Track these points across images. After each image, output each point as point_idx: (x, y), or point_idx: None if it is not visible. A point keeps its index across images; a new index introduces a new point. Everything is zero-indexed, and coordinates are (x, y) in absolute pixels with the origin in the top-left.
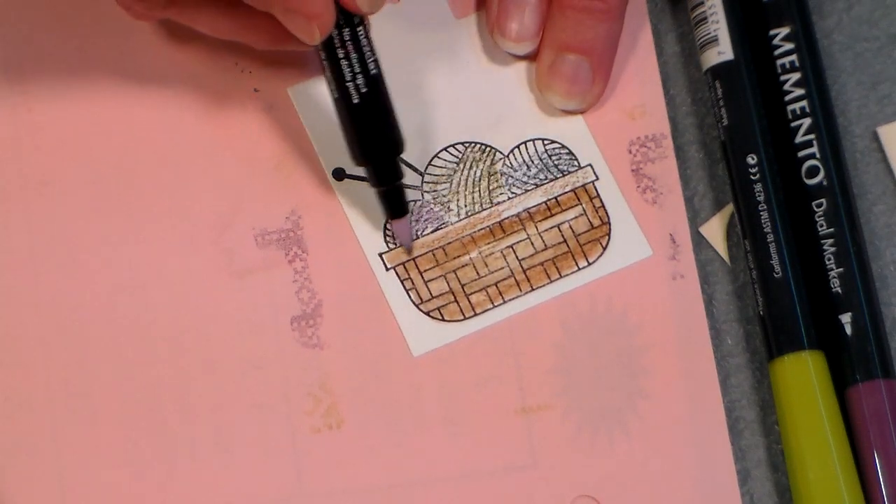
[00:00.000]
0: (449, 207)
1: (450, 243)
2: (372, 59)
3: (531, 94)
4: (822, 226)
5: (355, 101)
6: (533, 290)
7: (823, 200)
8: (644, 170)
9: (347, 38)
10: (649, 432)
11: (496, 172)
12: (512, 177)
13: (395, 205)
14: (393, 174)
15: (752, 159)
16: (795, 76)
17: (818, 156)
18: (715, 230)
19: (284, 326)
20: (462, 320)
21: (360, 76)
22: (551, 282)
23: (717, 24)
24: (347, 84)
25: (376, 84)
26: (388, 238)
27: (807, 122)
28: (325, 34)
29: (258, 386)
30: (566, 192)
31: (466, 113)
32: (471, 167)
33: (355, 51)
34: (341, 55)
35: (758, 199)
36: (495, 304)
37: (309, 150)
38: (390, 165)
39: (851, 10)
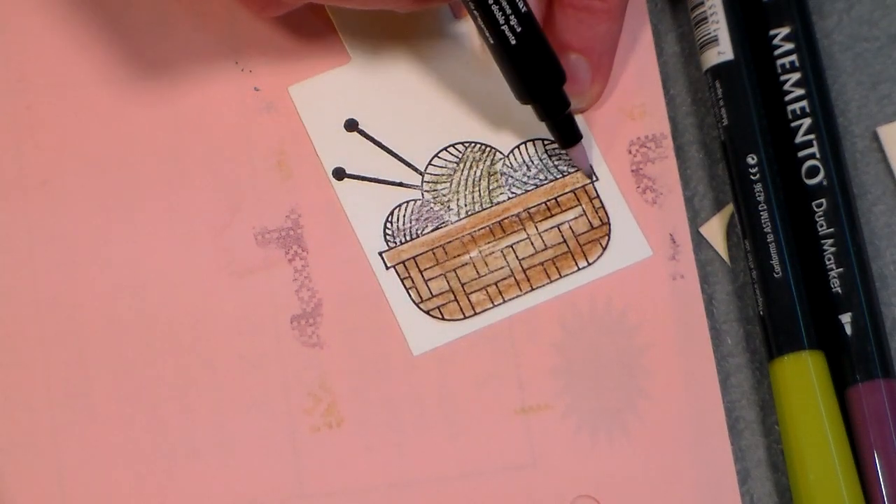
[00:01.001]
0: (449, 207)
1: (450, 242)
2: None
3: None
4: (822, 226)
5: (512, 42)
6: (533, 289)
7: (823, 200)
8: (644, 170)
9: None
10: (649, 432)
11: (496, 172)
12: (512, 177)
13: (568, 133)
14: (561, 104)
15: (752, 159)
16: (795, 76)
17: (818, 156)
18: (715, 230)
19: (284, 325)
20: (462, 319)
21: (512, 17)
22: (551, 282)
23: (717, 24)
24: (502, 28)
25: (530, 21)
26: (387, 237)
27: (807, 122)
28: None
29: (258, 385)
30: (566, 193)
31: (466, 113)
32: (471, 167)
33: None
34: (491, 0)
35: (758, 199)
36: (495, 303)
37: (309, 150)
38: (557, 97)
39: (851, 10)
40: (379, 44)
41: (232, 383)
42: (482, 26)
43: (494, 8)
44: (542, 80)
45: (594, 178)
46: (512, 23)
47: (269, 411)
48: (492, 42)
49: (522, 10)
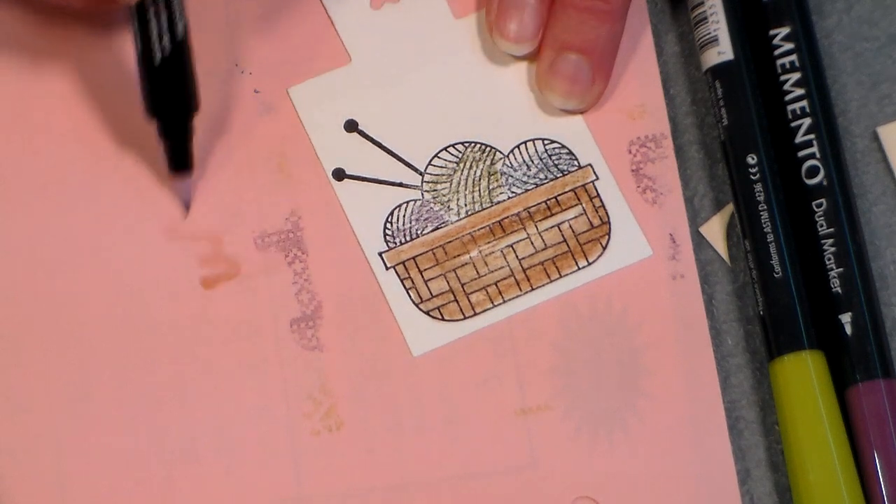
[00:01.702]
0: (449, 207)
1: (450, 242)
2: (182, 21)
3: (531, 94)
4: (822, 226)
5: (156, 63)
6: (533, 289)
7: (823, 200)
8: (644, 170)
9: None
10: (649, 432)
11: (496, 172)
12: (512, 176)
13: (178, 158)
14: (183, 131)
15: (752, 159)
16: (795, 76)
17: (818, 156)
18: (715, 230)
19: (284, 329)
20: (462, 320)
21: (165, 37)
22: (551, 281)
23: (717, 24)
24: (153, 44)
25: (180, 48)
26: (387, 237)
27: (807, 122)
28: None
29: (258, 389)
30: (566, 192)
31: (466, 113)
32: (471, 167)
33: (165, 10)
34: (151, 17)
35: (758, 199)
36: (495, 303)
37: (309, 150)
38: (182, 122)
39: (851, 10)
40: (379, 44)
41: (232, 387)
42: (136, 35)
43: (152, 24)
44: (169, 102)
45: (185, 215)
46: (164, 43)
47: (269, 415)
48: (138, 52)
49: (178, 38)
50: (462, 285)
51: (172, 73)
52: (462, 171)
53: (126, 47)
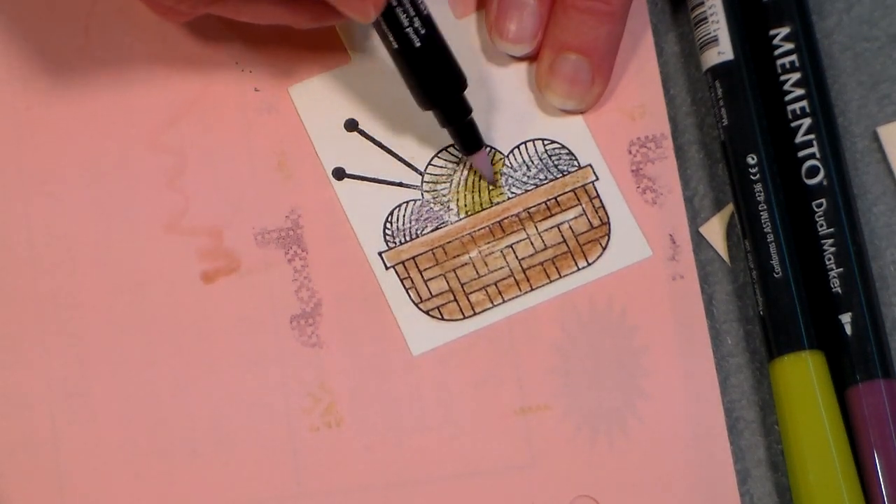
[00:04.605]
0: (449, 207)
1: (449, 242)
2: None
3: (531, 94)
4: (822, 226)
5: (417, 45)
6: (532, 289)
7: (823, 200)
8: (644, 170)
9: None
10: (649, 432)
11: (496, 172)
12: (512, 177)
13: (469, 139)
14: (463, 110)
15: (752, 159)
16: (795, 76)
17: (818, 156)
18: (715, 230)
19: (284, 325)
20: (461, 319)
21: (416, 20)
22: (551, 282)
23: (717, 24)
24: (406, 30)
25: (432, 24)
26: (387, 237)
27: (807, 122)
28: (380, 11)
29: (257, 385)
30: (566, 192)
31: None
32: (471, 167)
33: None
34: (395, 3)
35: (758, 199)
36: (495, 303)
37: (309, 150)
38: (459, 102)
39: (851, 10)
40: (379, 44)
41: (231, 383)
42: (385, 30)
43: (399, 10)
44: (445, 84)
45: (496, 186)
46: (416, 25)
47: (269, 411)
48: (395, 47)
49: (424, 13)
50: (462, 285)
51: (433, 54)
52: (462, 171)
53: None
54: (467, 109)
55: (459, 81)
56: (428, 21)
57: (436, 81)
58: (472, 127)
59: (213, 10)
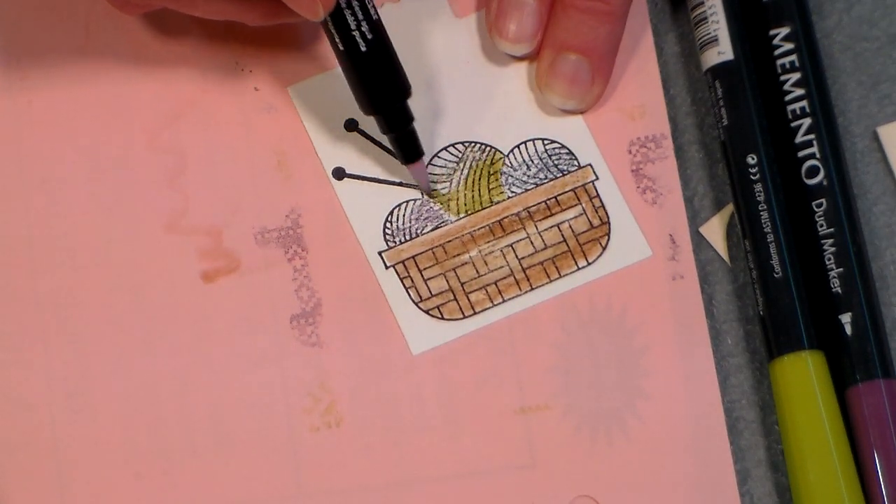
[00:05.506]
0: (449, 206)
1: (449, 242)
2: (371, 3)
3: (531, 94)
4: (822, 226)
5: (363, 49)
6: (532, 289)
7: (823, 200)
8: (644, 170)
9: None
10: (649, 432)
11: (496, 172)
12: (512, 176)
13: (409, 149)
14: (404, 119)
15: (752, 159)
16: (795, 76)
17: (818, 156)
18: (715, 230)
19: (284, 325)
20: (461, 319)
21: (364, 23)
22: (551, 281)
23: (717, 24)
24: (353, 33)
25: (380, 30)
26: (387, 236)
27: (807, 122)
28: (329, 10)
29: (257, 384)
30: (566, 192)
31: (466, 113)
32: (471, 167)
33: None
34: (344, 5)
35: (758, 199)
36: (495, 302)
37: (309, 150)
38: (401, 111)
39: (851, 10)
40: None
41: (231, 383)
42: (332, 31)
43: (347, 12)
44: (388, 91)
45: (424, 195)
46: (363, 29)
47: (269, 411)
48: (341, 48)
49: (374, 18)
50: (462, 284)
51: (379, 60)
52: (462, 170)
53: (125, 45)
54: (409, 118)
55: (403, 90)
56: (376, 27)
57: (379, 87)
58: (412, 136)
59: (167, 4)
